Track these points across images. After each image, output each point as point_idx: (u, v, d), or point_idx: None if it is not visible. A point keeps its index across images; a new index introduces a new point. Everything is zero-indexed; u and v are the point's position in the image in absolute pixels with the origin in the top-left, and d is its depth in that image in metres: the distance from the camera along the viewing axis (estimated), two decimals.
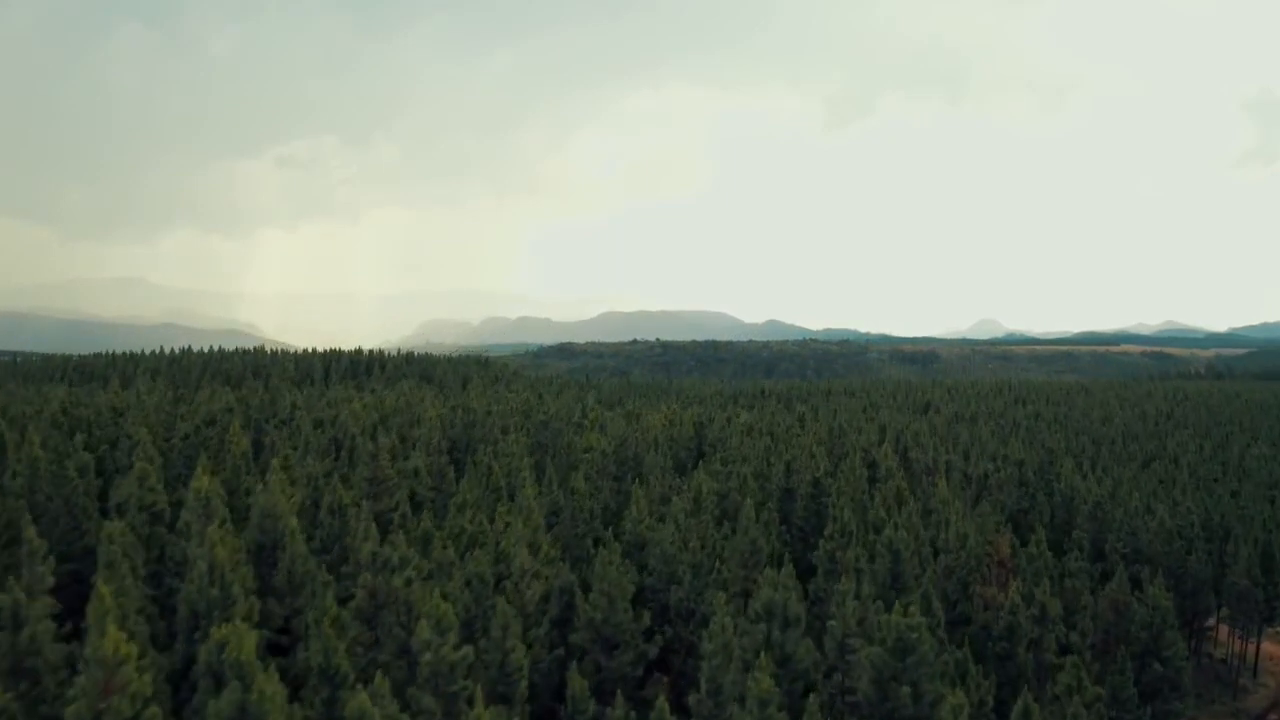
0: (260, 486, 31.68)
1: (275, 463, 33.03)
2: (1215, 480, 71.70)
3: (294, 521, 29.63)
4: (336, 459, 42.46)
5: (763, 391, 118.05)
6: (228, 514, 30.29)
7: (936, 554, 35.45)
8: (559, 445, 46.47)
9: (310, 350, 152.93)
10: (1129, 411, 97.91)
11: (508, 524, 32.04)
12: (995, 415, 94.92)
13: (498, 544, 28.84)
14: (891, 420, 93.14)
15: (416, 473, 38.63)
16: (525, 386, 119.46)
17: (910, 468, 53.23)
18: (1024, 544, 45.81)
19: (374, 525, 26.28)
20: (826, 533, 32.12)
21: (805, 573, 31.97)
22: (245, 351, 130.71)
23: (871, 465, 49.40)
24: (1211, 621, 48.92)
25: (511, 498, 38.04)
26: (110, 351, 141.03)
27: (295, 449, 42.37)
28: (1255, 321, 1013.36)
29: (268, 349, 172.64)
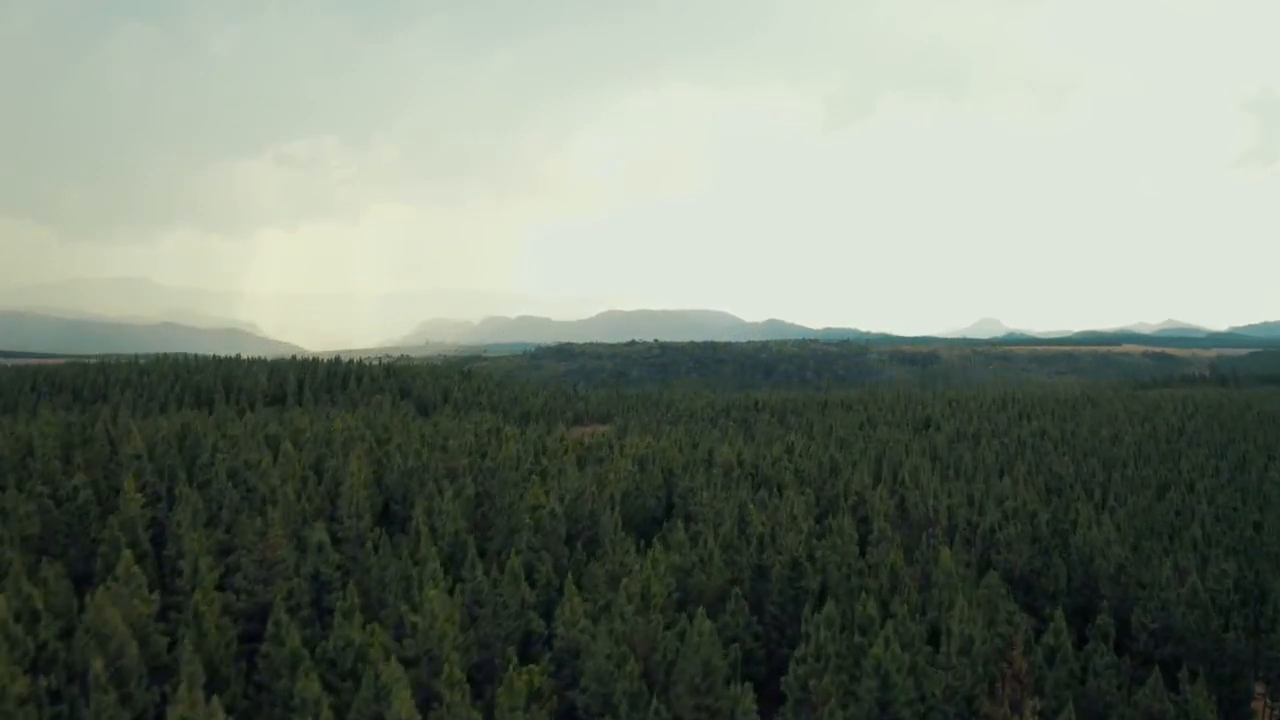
0: (102, 590, 25.67)
1: (122, 563, 26.91)
2: (1235, 510, 66.31)
3: (133, 647, 23.66)
4: (228, 531, 36.30)
5: (756, 404, 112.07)
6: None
7: (936, 651, 29.50)
8: (504, 503, 40.38)
9: (293, 357, 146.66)
10: (1139, 428, 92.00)
11: (405, 636, 26.05)
12: (999, 434, 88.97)
13: (377, 677, 22.80)
14: (890, 439, 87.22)
15: (321, 548, 32.56)
16: (507, 399, 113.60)
17: (908, 516, 47.32)
18: (1035, 613, 40.06)
19: (199, 668, 20.30)
20: (798, 654, 26.13)
21: (773, 699, 26.11)
22: (221, 361, 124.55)
23: (864, 520, 43.49)
24: (1254, 703, 43.06)
25: (445, 570, 32.16)
26: (101, 355, 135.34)
27: (191, 515, 36.31)
28: (1256, 321, 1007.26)
29: (244, 357, 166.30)
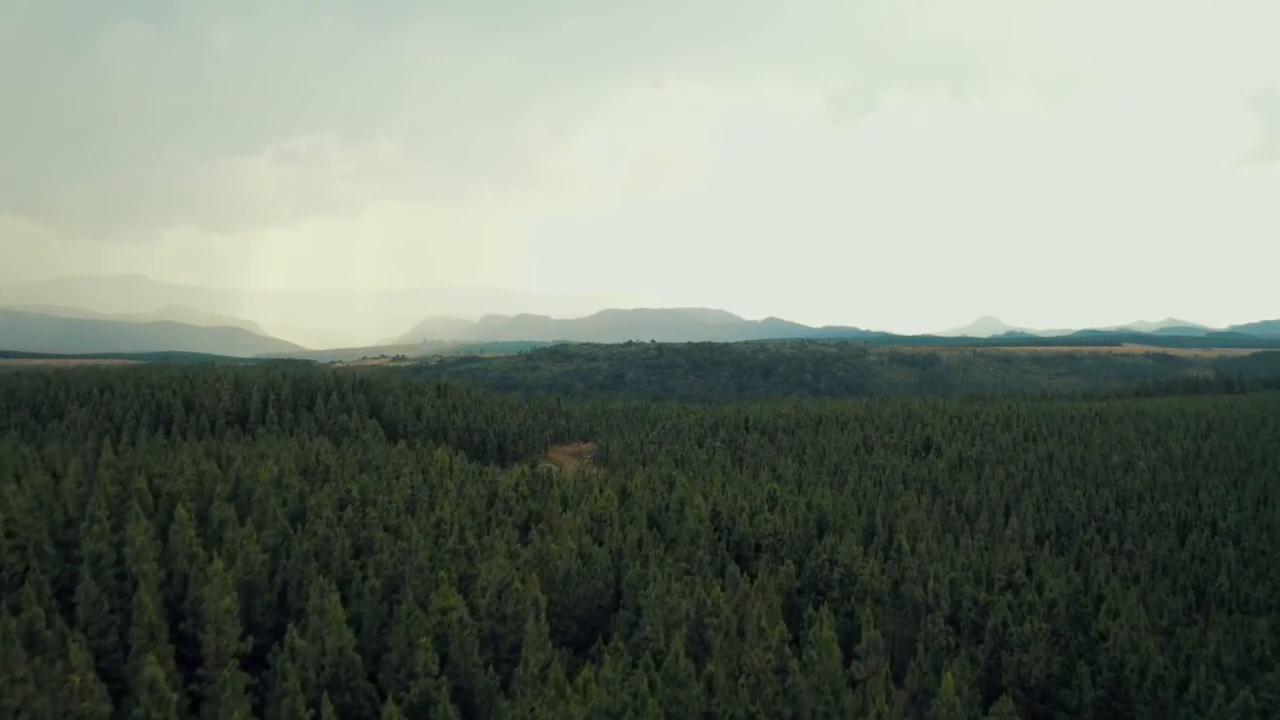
0: None
1: None
2: (1264, 553, 61.20)
3: None
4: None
5: (747, 421, 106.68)
6: None
7: None
8: (405, 609, 32.74)
9: (268, 369, 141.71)
10: (1151, 452, 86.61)
11: None
12: (1004, 459, 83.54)
13: None
14: (887, 465, 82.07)
15: (153, 685, 25.35)
16: (483, 418, 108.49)
17: (903, 602, 41.84)
18: None
19: None
20: None
21: None
22: (187, 373, 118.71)
23: (850, 615, 37.92)
24: None
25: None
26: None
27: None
28: (1256, 320, 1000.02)
29: (216, 365, 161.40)
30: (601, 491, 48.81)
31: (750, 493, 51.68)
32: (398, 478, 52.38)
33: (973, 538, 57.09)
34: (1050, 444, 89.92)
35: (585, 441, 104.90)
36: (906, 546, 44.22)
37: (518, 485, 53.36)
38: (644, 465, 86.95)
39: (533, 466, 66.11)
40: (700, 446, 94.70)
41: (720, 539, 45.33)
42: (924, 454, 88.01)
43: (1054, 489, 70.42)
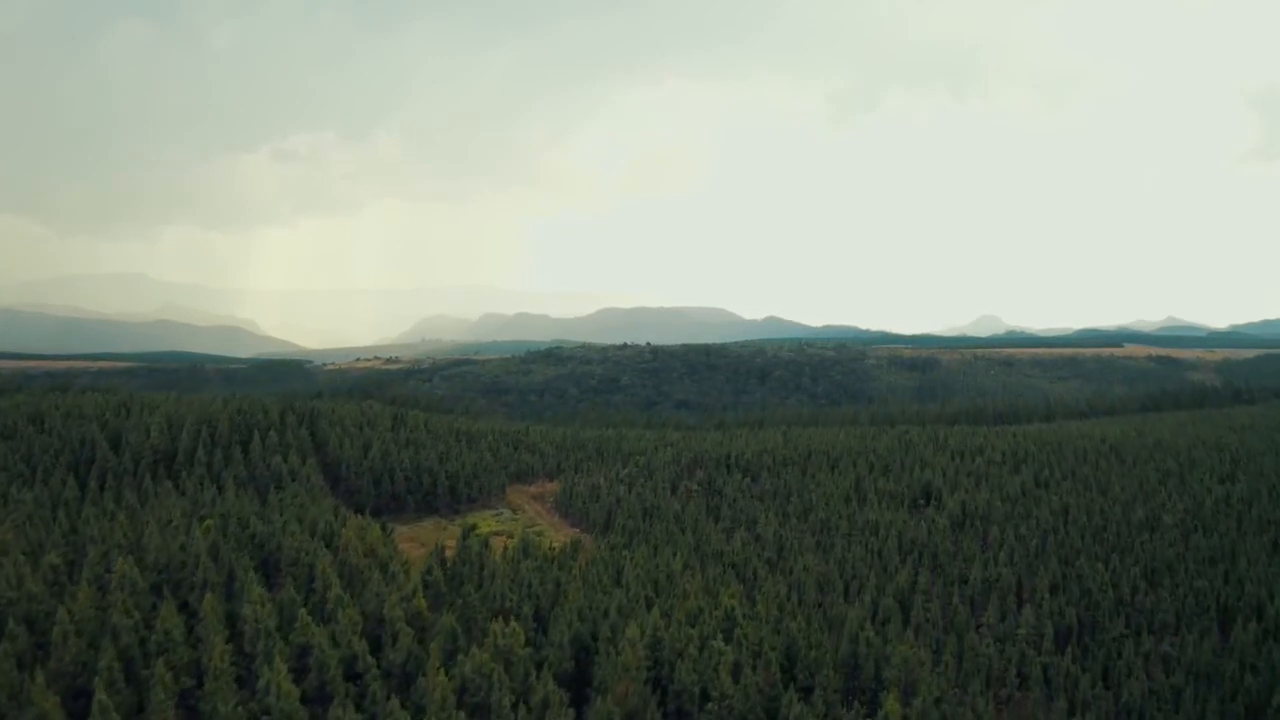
0: None
1: None
2: None
3: None
4: None
5: (728, 459, 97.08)
6: None
7: None
8: None
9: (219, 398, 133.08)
10: (1177, 501, 77.18)
11: None
12: (1014, 514, 73.75)
13: None
14: (881, 521, 72.97)
15: None
16: (436, 456, 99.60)
17: None
18: None
19: None
20: None
21: None
22: (125, 402, 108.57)
23: None
24: None
25: None
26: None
27: None
28: (1256, 319, 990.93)
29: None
30: (516, 618, 39.40)
31: (704, 615, 41.74)
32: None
33: (979, 636, 48.06)
34: (1064, 491, 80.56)
35: (551, 480, 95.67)
36: (896, 680, 35.11)
37: (428, 575, 43.77)
38: (607, 519, 77.99)
39: (464, 538, 57.07)
40: (673, 493, 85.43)
41: (655, 691, 35.94)
42: (923, 503, 78.76)
43: (1073, 559, 61.14)
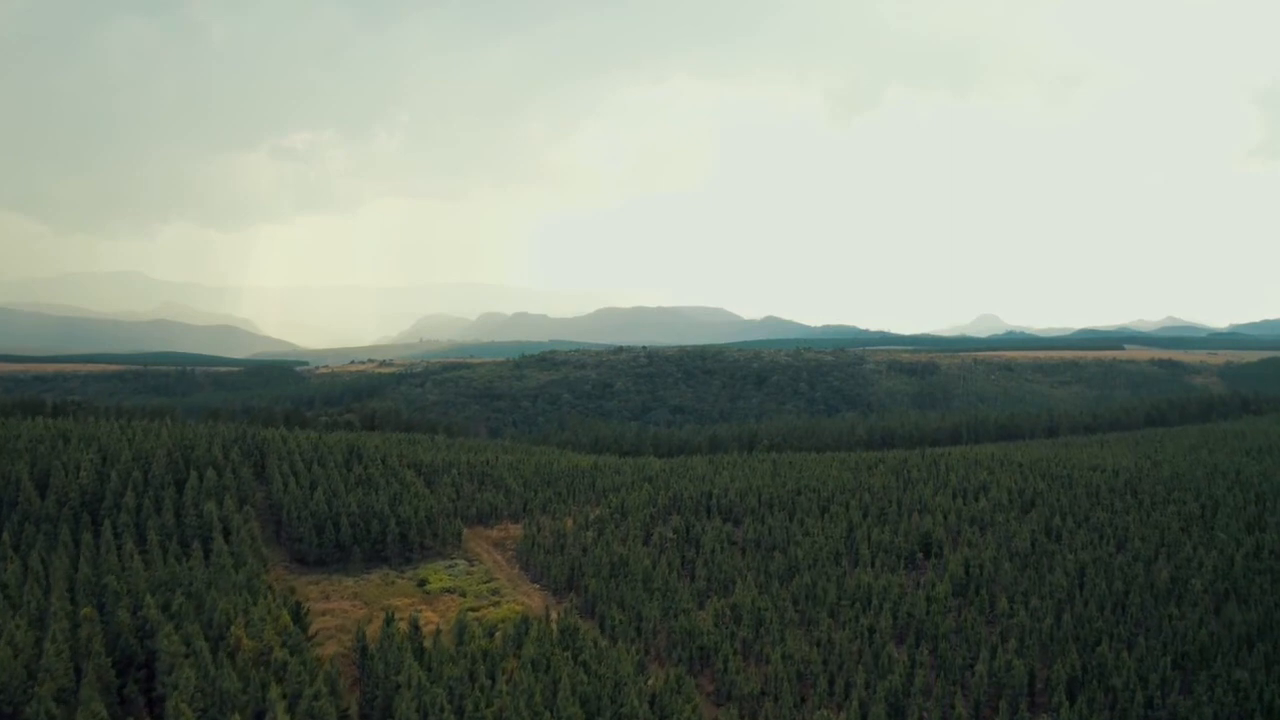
0: None
1: None
2: None
3: None
4: None
5: (708, 500, 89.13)
6: None
7: None
8: None
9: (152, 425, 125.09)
10: (1205, 556, 69.44)
11: None
12: (1022, 581, 65.88)
13: None
14: (875, 588, 65.30)
15: None
16: (391, 495, 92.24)
17: None
18: None
19: None
20: None
21: None
22: (62, 433, 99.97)
23: None
24: None
25: None
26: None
27: None
28: (1257, 319, 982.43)
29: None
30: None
31: None
32: None
33: None
34: (1078, 544, 72.74)
35: (515, 522, 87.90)
36: None
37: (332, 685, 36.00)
38: (570, 575, 70.34)
39: (388, 624, 49.30)
40: (646, 542, 77.64)
41: None
42: (922, 558, 71.04)
43: (1093, 642, 53.44)
